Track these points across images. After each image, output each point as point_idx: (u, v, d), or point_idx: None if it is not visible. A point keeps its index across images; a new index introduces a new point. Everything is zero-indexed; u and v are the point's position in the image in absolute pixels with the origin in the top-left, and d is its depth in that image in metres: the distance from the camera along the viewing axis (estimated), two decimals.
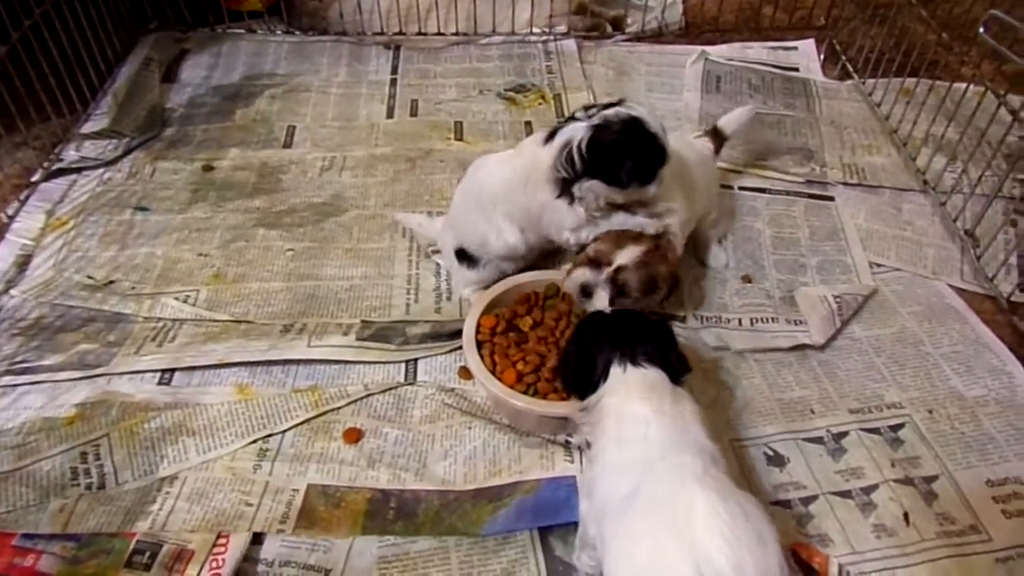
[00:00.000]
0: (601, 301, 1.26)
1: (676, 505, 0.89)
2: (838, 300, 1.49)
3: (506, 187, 1.35)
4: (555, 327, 1.35)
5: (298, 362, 1.38)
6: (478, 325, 1.33)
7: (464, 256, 1.45)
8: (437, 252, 1.59)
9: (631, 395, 1.03)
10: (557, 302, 1.39)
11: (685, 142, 1.54)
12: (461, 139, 1.94)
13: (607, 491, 0.97)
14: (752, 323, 1.48)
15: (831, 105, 2.07)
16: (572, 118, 1.29)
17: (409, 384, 1.37)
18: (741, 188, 1.79)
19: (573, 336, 1.18)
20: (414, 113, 2.02)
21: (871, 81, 2.08)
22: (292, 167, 1.84)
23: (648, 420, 1.00)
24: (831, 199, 1.79)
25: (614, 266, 1.26)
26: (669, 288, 1.30)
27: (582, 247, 1.33)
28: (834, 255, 1.65)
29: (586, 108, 1.29)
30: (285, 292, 1.52)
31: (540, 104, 2.06)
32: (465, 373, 1.37)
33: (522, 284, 1.41)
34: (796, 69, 2.21)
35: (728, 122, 1.67)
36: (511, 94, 2.09)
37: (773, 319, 1.49)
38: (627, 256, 1.26)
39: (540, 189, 1.30)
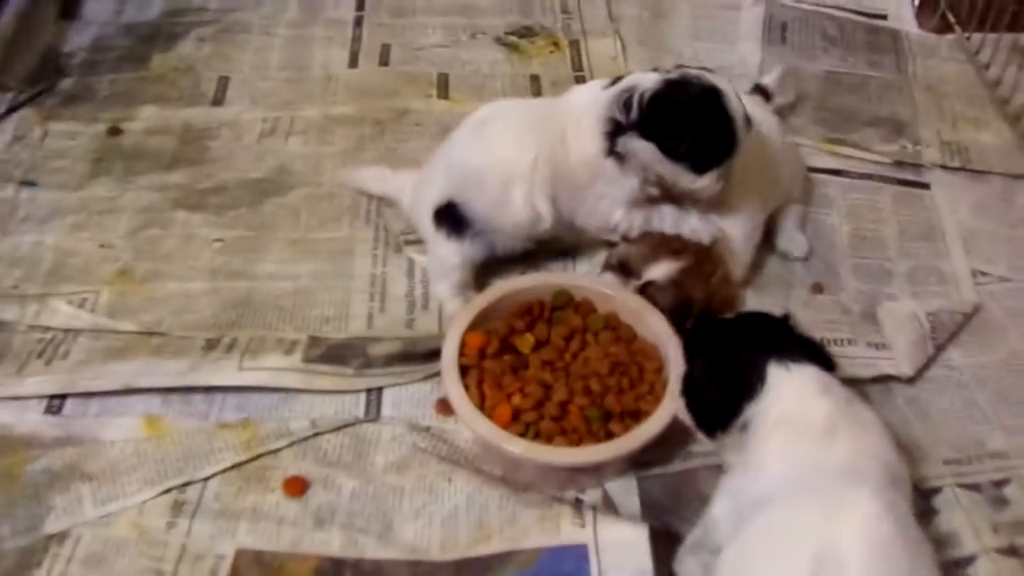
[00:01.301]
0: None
1: (829, 541, 0.95)
2: (932, 319, 1.49)
3: (549, 141, 1.39)
4: (565, 348, 1.35)
5: (226, 389, 1.37)
6: (462, 344, 1.33)
7: (448, 217, 1.44)
8: (412, 243, 1.59)
9: (804, 399, 1.08)
10: (568, 315, 1.39)
11: (767, 115, 1.58)
12: (446, 96, 1.94)
13: (761, 494, 1.03)
14: (824, 345, 1.47)
15: (927, 65, 2.08)
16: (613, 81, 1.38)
17: (371, 421, 1.36)
18: (811, 170, 1.79)
19: (694, 347, 1.21)
20: (385, 62, 2.03)
21: (978, 36, 2.08)
22: (223, 131, 1.84)
23: (832, 428, 1.05)
24: (926, 186, 1.79)
25: (643, 279, 1.32)
26: (697, 316, 1.36)
27: (622, 240, 1.41)
28: (928, 260, 1.65)
29: (617, 77, 1.38)
30: (210, 296, 1.52)
31: (551, 52, 2.07)
32: (444, 408, 1.37)
33: (521, 290, 1.41)
34: (884, 17, 2.22)
35: (771, 79, 1.71)
36: (514, 39, 2.10)
37: (849, 341, 1.48)
38: (660, 271, 1.32)
39: (588, 143, 1.36)
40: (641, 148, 1.33)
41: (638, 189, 1.38)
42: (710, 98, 1.31)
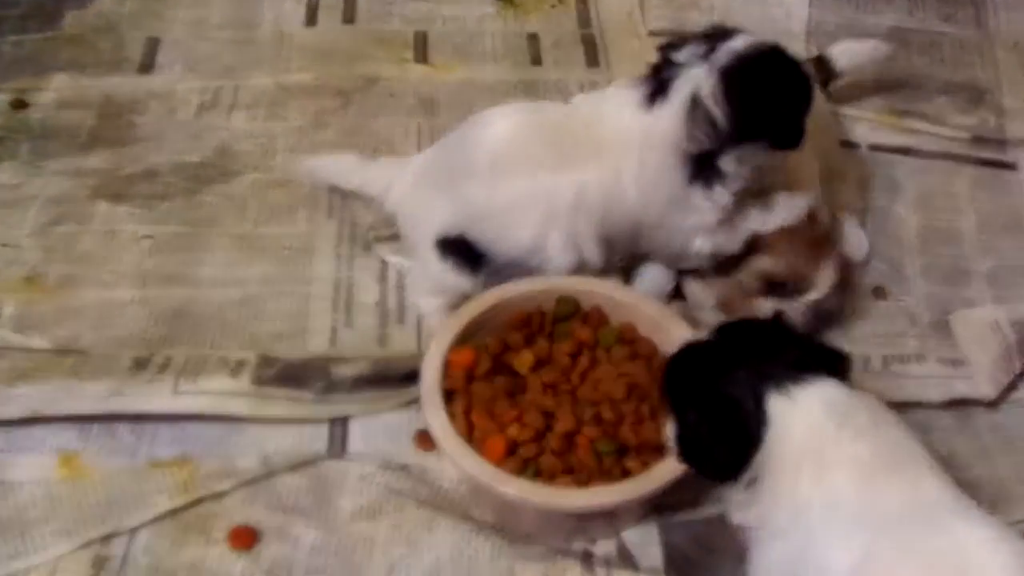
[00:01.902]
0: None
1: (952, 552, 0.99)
2: (1018, 329, 1.52)
3: (597, 179, 1.39)
4: (570, 368, 1.36)
5: (158, 418, 1.38)
6: (447, 364, 1.34)
7: (458, 250, 1.45)
8: (385, 239, 1.61)
9: (819, 430, 1.08)
10: (575, 327, 1.40)
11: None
12: (425, 60, 1.96)
13: (822, 565, 1.04)
14: (886, 362, 1.50)
15: (1013, 19, 2.10)
16: (666, 64, 1.36)
17: (335, 457, 1.37)
18: (872, 147, 1.81)
19: (676, 389, 1.19)
20: (350, 18, 2.05)
21: None
22: (153, 104, 1.85)
23: (859, 457, 1.06)
24: (1011, 167, 1.81)
25: (816, 293, 1.40)
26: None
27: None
28: (1014, 257, 1.67)
29: (671, 46, 1.37)
30: (139, 306, 1.53)
31: (553, 7, 2.09)
32: (425, 441, 1.38)
33: (517, 298, 1.42)
34: None
35: (845, 53, 1.70)
36: None
37: (917, 357, 1.51)
38: (829, 274, 1.40)
39: (659, 175, 1.36)
40: (752, 155, 1.35)
41: (730, 206, 1.39)
42: (778, 59, 1.34)
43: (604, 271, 1.46)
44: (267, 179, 1.72)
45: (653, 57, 1.37)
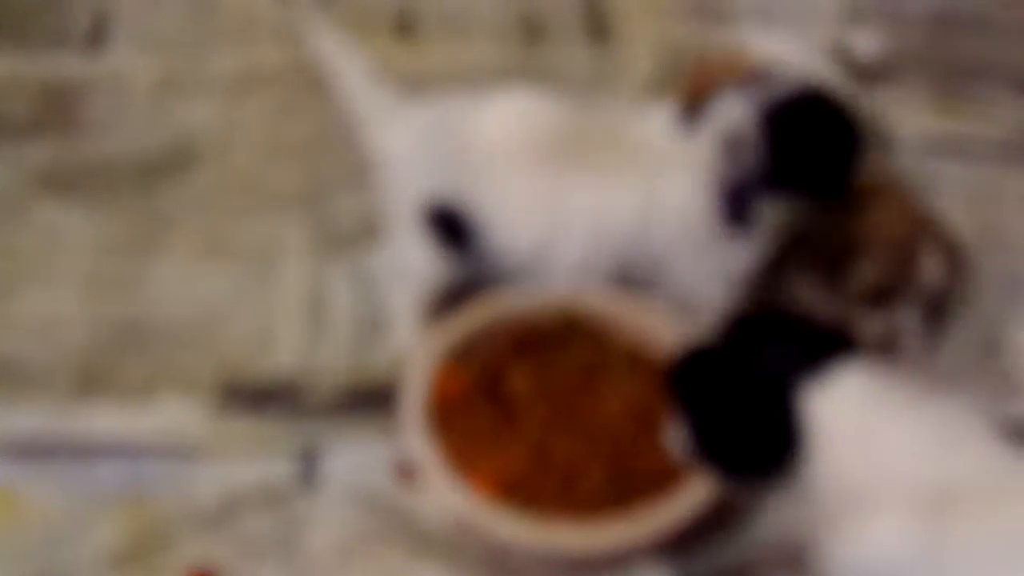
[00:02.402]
0: (916, 343, 1.42)
1: None
2: None
3: (628, 214, 1.39)
4: (571, 392, 1.37)
5: (105, 449, 1.39)
6: (432, 386, 1.35)
7: (446, 225, 1.43)
8: (362, 239, 1.61)
9: (862, 411, 1.11)
10: (577, 345, 1.41)
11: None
12: (410, 40, 1.97)
13: None
14: None
15: None
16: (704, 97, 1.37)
17: (305, 492, 1.38)
18: (919, 144, 1.81)
19: (692, 394, 1.20)
20: None
21: None
22: (102, 88, 1.86)
23: (912, 429, 1.10)
24: None
25: (927, 284, 1.39)
26: None
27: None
28: None
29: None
30: (83, 317, 1.54)
31: None
32: (406, 473, 1.38)
33: (512, 312, 1.43)
34: None
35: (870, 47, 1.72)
36: None
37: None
38: (937, 257, 1.39)
39: (690, 200, 1.38)
40: (779, 199, 1.37)
41: (753, 257, 1.41)
42: (828, 106, 1.35)
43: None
44: (230, 173, 1.74)
45: (668, 36, 1.39)
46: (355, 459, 1.41)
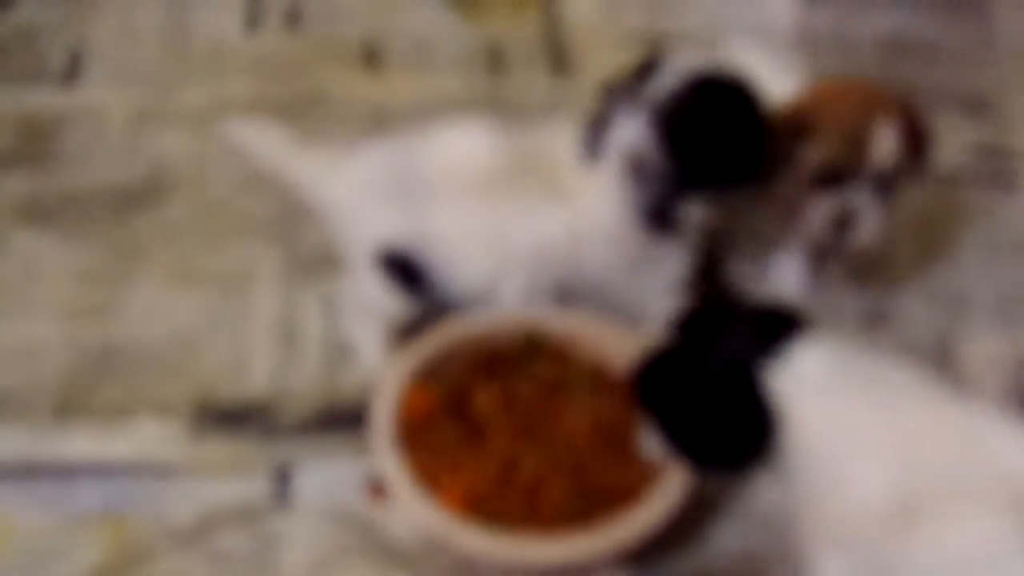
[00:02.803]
0: (875, 220, 1.43)
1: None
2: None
3: (559, 242, 1.42)
4: (535, 409, 1.38)
5: (84, 470, 1.39)
6: (401, 405, 1.36)
7: (399, 269, 1.45)
8: (331, 269, 1.61)
9: (829, 384, 1.15)
10: (539, 364, 1.43)
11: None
12: (376, 72, 1.99)
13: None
14: None
15: (1020, 20, 2.14)
16: (608, 105, 1.38)
17: (279, 510, 1.39)
18: None
19: (660, 397, 1.23)
20: (294, 25, 2.07)
21: None
22: (78, 121, 1.87)
23: (877, 396, 1.15)
24: (1015, 181, 1.85)
25: (873, 167, 1.39)
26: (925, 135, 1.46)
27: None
28: (1022, 284, 1.70)
29: (609, 91, 1.39)
30: (62, 344, 1.55)
31: (517, 12, 2.12)
32: (377, 490, 1.39)
33: (479, 333, 1.44)
34: None
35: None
36: None
37: None
38: (886, 140, 1.38)
39: (618, 238, 1.40)
40: (701, 197, 1.39)
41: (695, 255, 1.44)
42: (719, 92, 1.36)
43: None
44: (203, 204, 1.74)
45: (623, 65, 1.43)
46: (327, 477, 1.42)
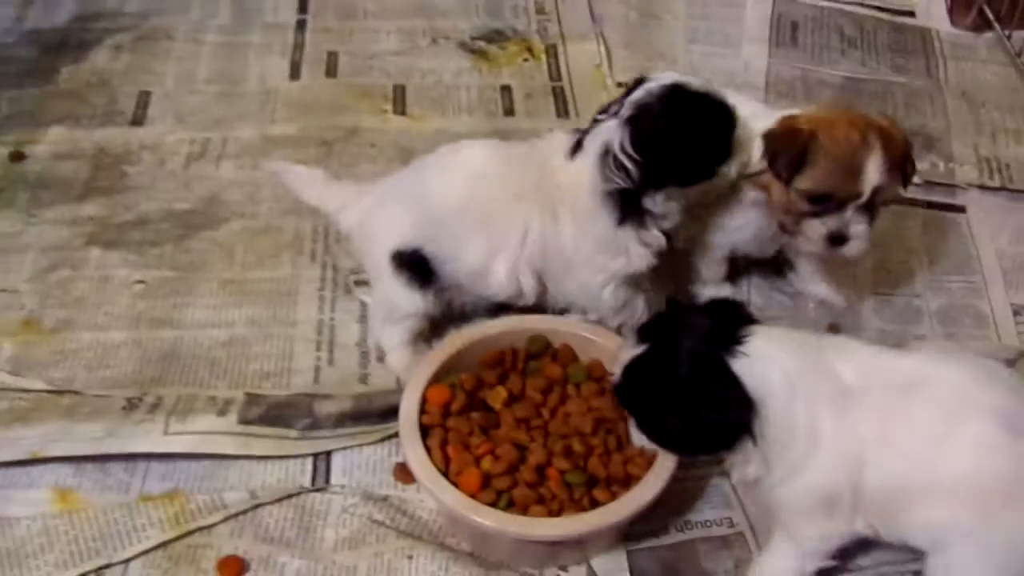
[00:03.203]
0: (864, 239, 1.43)
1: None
2: None
3: (539, 219, 1.44)
4: (542, 403, 1.39)
5: (149, 455, 1.41)
6: (424, 400, 1.37)
7: (411, 265, 1.48)
8: (364, 283, 1.64)
9: (791, 368, 1.17)
10: (545, 364, 1.44)
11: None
12: (404, 112, 2.00)
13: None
14: None
15: (962, 69, 2.15)
16: (594, 121, 1.42)
17: (319, 490, 1.40)
18: None
19: (641, 401, 1.24)
20: (332, 72, 2.09)
21: (1021, 35, 2.16)
22: (144, 155, 1.89)
23: (836, 370, 1.19)
24: (961, 210, 1.86)
25: (865, 196, 1.39)
26: (911, 158, 1.45)
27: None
28: (963, 297, 1.71)
29: (603, 110, 1.42)
30: (131, 348, 1.56)
31: (525, 60, 2.14)
32: (404, 474, 1.41)
33: (491, 337, 1.46)
34: (911, 13, 2.29)
35: None
36: (481, 44, 2.17)
37: None
38: (875, 173, 1.37)
39: (590, 218, 1.41)
40: (671, 196, 1.40)
41: (655, 252, 1.44)
42: (676, 97, 1.37)
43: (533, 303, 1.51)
44: (253, 226, 1.76)
45: None
46: (361, 462, 1.43)
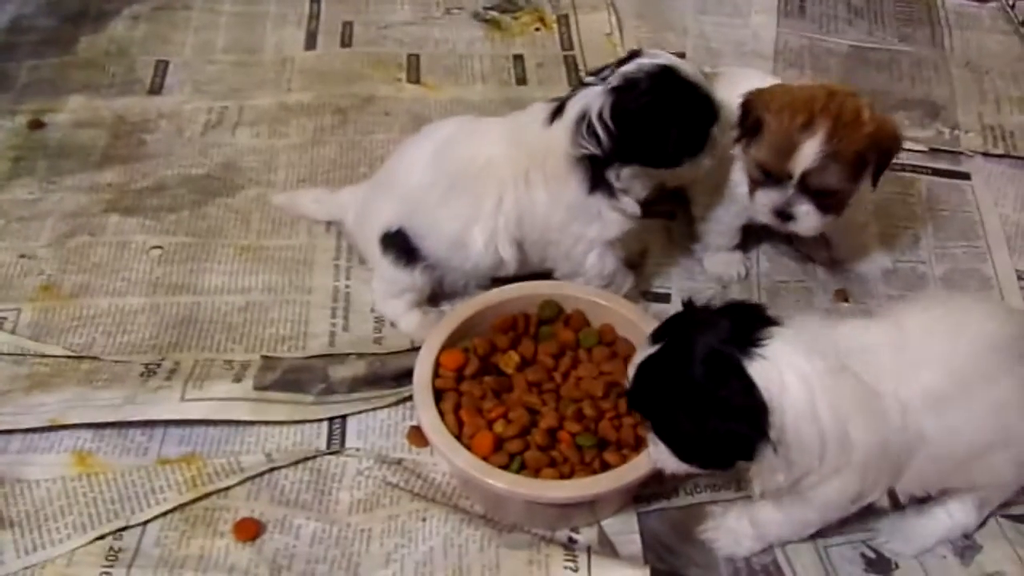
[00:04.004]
0: (809, 220, 1.41)
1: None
2: None
3: (513, 184, 1.42)
4: (553, 367, 1.37)
5: (168, 421, 1.39)
6: (437, 364, 1.35)
7: (397, 245, 1.47)
8: None
9: (810, 371, 1.09)
10: (557, 329, 1.42)
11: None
12: (418, 81, 1.97)
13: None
14: None
15: (967, 38, 2.12)
16: (580, 84, 1.40)
17: (334, 453, 1.38)
18: None
19: (656, 405, 1.16)
20: (347, 42, 2.06)
21: None
22: (162, 123, 1.86)
23: (855, 372, 1.11)
24: (966, 177, 1.83)
25: (796, 178, 1.37)
26: (885, 157, 1.40)
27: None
28: (967, 262, 1.69)
29: (594, 72, 1.40)
30: (149, 313, 1.55)
31: (537, 30, 2.11)
32: (418, 437, 1.39)
33: (503, 302, 1.43)
34: None
35: None
36: (494, 14, 2.14)
37: None
38: (806, 157, 1.34)
39: (562, 184, 1.40)
40: (633, 173, 1.39)
41: (629, 219, 1.43)
42: (664, 79, 1.36)
43: (517, 273, 1.49)
44: (269, 193, 1.73)
45: None
46: (375, 426, 1.42)
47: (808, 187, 1.38)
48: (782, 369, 1.08)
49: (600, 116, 1.34)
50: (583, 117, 1.36)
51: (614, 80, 1.36)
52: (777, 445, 1.09)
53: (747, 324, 1.12)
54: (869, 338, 1.15)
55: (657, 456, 1.19)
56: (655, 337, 1.16)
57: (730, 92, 1.44)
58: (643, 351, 1.16)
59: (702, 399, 1.10)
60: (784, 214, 1.41)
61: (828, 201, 1.40)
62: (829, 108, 1.35)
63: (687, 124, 1.36)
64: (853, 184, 1.40)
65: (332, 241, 1.66)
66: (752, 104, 1.41)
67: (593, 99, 1.36)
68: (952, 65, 2.05)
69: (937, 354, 1.14)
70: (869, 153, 1.37)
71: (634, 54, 1.39)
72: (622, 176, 1.38)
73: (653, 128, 1.34)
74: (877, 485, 1.16)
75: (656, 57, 1.37)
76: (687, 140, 1.37)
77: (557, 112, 1.40)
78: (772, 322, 1.13)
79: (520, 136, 1.43)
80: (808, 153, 1.35)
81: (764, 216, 1.44)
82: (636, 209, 1.42)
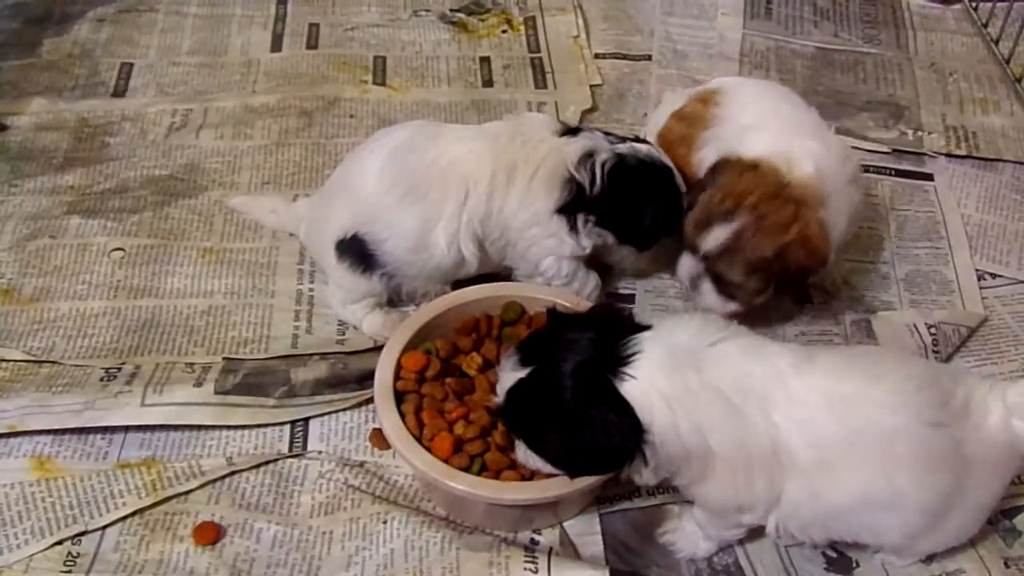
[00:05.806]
0: (709, 299, 1.44)
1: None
2: (934, 332, 1.53)
3: (488, 179, 1.43)
4: None
5: (128, 425, 1.38)
6: (398, 366, 1.34)
7: (351, 251, 1.47)
8: None
9: (677, 383, 1.10)
10: (520, 330, 1.41)
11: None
12: (383, 83, 1.97)
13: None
14: None
15: (931, 39, 2.13)
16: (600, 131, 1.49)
17: (295, 456, 1.38)
18: None
19: (529, 424, 1.18)
20: (313, 44, 2.06)
21: (987, 6, 2.14)
22: (126, 125, 1.85)
23: (720, 377, 1.11)
24: (928, 177, 1.84)
25: (700, 252, 1.41)
26: (797, 273, 1.39)
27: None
28: (929, 263, 1.70)
29: (608, 134, 1.50)
30: (110, 316, 1.54)
31: (504, 32, 2.11)
32: (380, 439, 1.38)
33: (465, 303, 1.43)
34: None
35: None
36: (461, 16, 2.14)
37: None
38: (712, 240, 1.37)
39: (542, 191, 1.43)
40: (603, 235, 1.46)
41: (584, 251, 1.48)
42: (663, 174, 1.46)
43: (477, 273, 1.51)
44: (233, 195, 1.72)
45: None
46: (337, 428, 1.41)
47: (711, 269, 1.41)
48: (647, 389, 1.09)
49: (601, 169, 1.41)
50: (590, 155, 1.42)
51: (623, 147, 1.44)
52: (648, 457, 1.11)
53: (612, 334, 1.13)
54: (750, 359, 1.15)
55: (524, 459, 1.21)
56: (522, 357, 1.17)
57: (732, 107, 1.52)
58: (512, 373, 1.16)
59: (576, 421, 1.11)
60: (694, 284, 1.44)
61: (730, 290, 1.42)
62: (759, 207, 1.36)
63: (664, 227, 1.47)
64: (756, 285, 1.41)
65: (296, 244, 1.65)
66: (715, 166, 1.43)
67: (605, 152, 1.43)
68: (916, 67, 2.06)
69: (827, 389, 1.13)
70: (775, 264, 1.37)
71: (645, 141, 1.50)
72: (588, 227, 1.45)
73: (633, 214, 1.44)
74: (753, 498, 1.15)
75: (662, 158, 1.47)
76: (655, 236, 1.48)
77: (570, 132, 1.46)
78: (639, 328, 1.14)
79: (524, 137, 1.45)
80: (716, 237, 1.37)
81: (681, 278, 1.47)
82: (588, 248, 1.47)
